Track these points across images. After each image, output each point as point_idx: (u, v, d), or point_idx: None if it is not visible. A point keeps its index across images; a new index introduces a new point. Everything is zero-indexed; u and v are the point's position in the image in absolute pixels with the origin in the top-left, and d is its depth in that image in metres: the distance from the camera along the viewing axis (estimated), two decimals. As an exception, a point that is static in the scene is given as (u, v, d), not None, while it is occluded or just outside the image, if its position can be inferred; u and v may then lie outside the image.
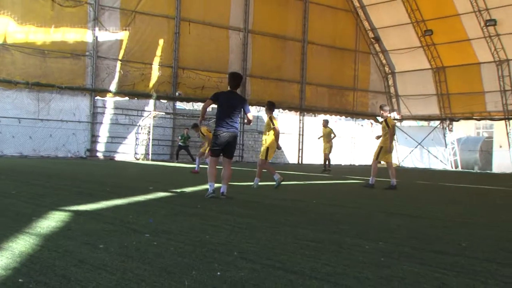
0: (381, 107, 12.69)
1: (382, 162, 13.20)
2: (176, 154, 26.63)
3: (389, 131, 12.50)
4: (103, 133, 25.44)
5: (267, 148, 11.33)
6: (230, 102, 8.40)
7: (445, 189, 14.40)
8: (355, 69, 34.03)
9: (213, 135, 8.64)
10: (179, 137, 26.80)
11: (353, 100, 34.25)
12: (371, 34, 34.31)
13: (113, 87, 25.23)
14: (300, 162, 31.77)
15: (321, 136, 21.70)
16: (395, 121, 35.45)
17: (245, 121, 8.79)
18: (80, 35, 24.38)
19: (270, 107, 11.54)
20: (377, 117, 35.61)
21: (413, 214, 7.59)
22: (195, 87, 27.79)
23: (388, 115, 12.84)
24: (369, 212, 7.71)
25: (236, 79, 8.60)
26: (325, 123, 21.38)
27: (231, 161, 8.70)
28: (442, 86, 33.24)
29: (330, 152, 21.19)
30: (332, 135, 21.04)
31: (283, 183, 11.02)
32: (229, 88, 8.53)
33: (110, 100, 25.74)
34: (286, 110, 33.05)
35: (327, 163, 21.16)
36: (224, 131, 8.35)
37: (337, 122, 41.22)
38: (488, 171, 31.67)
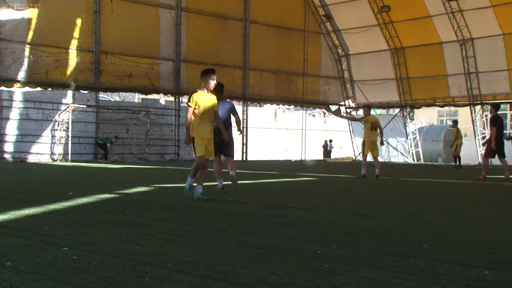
0: None
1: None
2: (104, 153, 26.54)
3: None
4: (11, 130, 24.68)
5: None
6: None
7: (405, 185, 14.81)
8: (305, 51, 34.42)
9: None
10: (108, 144, 26.73)
11: (302, 87, 34.64)
12: (321, 11, 34.80)
13: (21, 75, 24.46)
14: (244, 159, 31.89)
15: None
16: (350, 109, 36.20)
17: None
18: (-24, 13, 23.53)
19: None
20: (330, 106, 36.25)
21: (370, 214, 7.77)
22: (121, 75, 27.39)
23: None
24: (322, 213, 7.84)
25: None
26: (455, 123, 26.23)
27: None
28: (401, 69, 34.14)
29: (459, 150, 25.75)
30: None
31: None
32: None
33: (18, 92, 24.98)
34: (227, 100, 33.09)
35: (457, 161, 26.06)
36: None
37: (285, 112, 41.78)
38: (453, 163, 32.78)
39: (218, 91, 10.32)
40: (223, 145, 10.15)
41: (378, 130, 16.66)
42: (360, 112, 37.52)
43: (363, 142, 16.84)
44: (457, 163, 25.96)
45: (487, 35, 30.09)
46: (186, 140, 9.12)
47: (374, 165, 16.67)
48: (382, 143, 17.43)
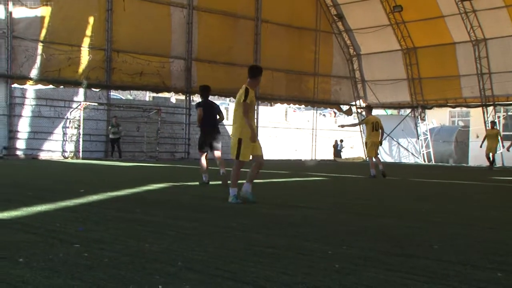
0: None
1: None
2: (111, 150, 26.46)
3: None
4: (23, 127, 24.82)
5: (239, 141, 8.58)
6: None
7: (416, 185, 14.76)
8: (316, 51, 34.34)
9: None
10: (110, 127, 26.52)
11: (313, 86, 34.57)
12: (333, 11, 34.71)
13: (34, 73, 24.61)
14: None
15: (485, 137, 25.38)
16: (361, 109, 36.09)
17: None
18: (-11, 10, 23.64)
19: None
20: (341, 106, 36.18)
21: (380, 214, 7.75)
22: (133, 73, 27.47)
23: None
24: (331, 213, 7.84)
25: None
26: (492, 124, 25.70)
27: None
28: (413, 69, 33.98)
29: (495, 151, 25.05)
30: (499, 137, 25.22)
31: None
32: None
33: (30, 89, 25.12)
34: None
35: (490, 162, 25.12)
36: None
37: (296, 112, 41.72)
38: (464, 164, 32.63)
39: (205, 94, 12.22)
40: (212, 143, 11.86)
41: (381, 131, 16.55)
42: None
43: (366, 143, 16.82)
44: (492, 164, 25.81)
45: (501, 36, 29.89)
46: (253, 137, 8.47)
47: (376, 164, 16.63)
48: (380, 143, 17.20)
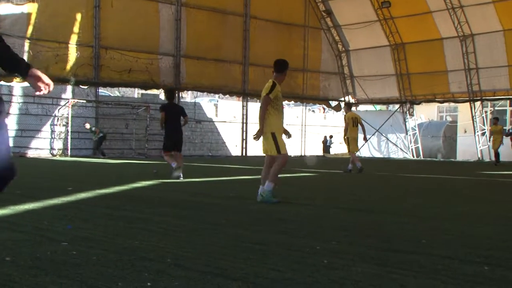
0: None
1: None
2: (101, 149, 26.33)
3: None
4: (11, 125, 24.63)
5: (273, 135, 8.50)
6: None
7: (404, 181, 14.82)
8: (305, 47, 34.35)
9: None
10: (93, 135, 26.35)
11: (302, 82, 34.60)
12: (322, 7, 34.74)
13: (21, 70, 24.39)
14: (244, 154, 31.89)
15: (490, 133, 26.42)
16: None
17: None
18: (-25, 7, 23.46)
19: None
20: (330, 102, 36.25)
21: (369, 209, 7.78)
22: (121, 70, 27.34)
23: None
24: (321, 208, 7.86)
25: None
26: (496, 121, 25.99)
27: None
28: (401, 65, 34.10)
29: (499, 146, 24.99)
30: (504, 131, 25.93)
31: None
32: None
33: (17, 86, 24.95)
34: (227, 95, 33.11)
35: (497, 157, 25.14)
36: None
37: (285, 108, 41.74)
38: (452, 159, 32.80)
39: (171, 97, 13.12)
40: (178, 142, 12.74)
41: (360, 127, 17.12)
42: (360, 108, 37.60)
43: (347, 139, 17.25)
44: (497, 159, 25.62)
45: (488, 31, 30.05)
46: (259, 135, 8.34)
47: (349, 160, 17.31)
48: (365, 139, 18.16)
